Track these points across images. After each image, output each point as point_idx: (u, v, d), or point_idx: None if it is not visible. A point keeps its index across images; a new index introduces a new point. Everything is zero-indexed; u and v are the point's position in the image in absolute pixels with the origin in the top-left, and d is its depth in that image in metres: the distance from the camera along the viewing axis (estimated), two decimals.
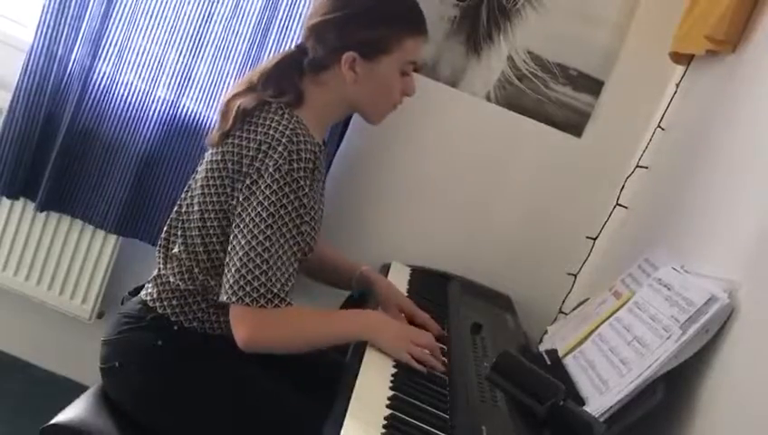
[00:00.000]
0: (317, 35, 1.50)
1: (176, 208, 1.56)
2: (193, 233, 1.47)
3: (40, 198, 2.16)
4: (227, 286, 1.37)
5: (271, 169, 1.37)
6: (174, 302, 1.48)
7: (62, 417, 1.41)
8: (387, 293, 1.73)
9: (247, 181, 1.39)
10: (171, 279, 1.48)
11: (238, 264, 1.35)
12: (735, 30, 1.67)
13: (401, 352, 1.38)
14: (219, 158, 1.44)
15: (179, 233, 1.51)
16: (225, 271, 1.38)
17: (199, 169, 1.53)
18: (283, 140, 1.39)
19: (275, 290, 1.36)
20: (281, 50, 2.13)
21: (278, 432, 1.43)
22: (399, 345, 1.40)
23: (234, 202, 1.41)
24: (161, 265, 1.52)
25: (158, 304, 1.48)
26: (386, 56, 1.49)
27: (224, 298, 1.38)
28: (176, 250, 1.50)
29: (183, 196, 1.55)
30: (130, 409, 1.47)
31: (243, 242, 1.36)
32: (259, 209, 1.36)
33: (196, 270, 1.47)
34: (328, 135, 2.11)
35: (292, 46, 1.63)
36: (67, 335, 2.37)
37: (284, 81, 1.49)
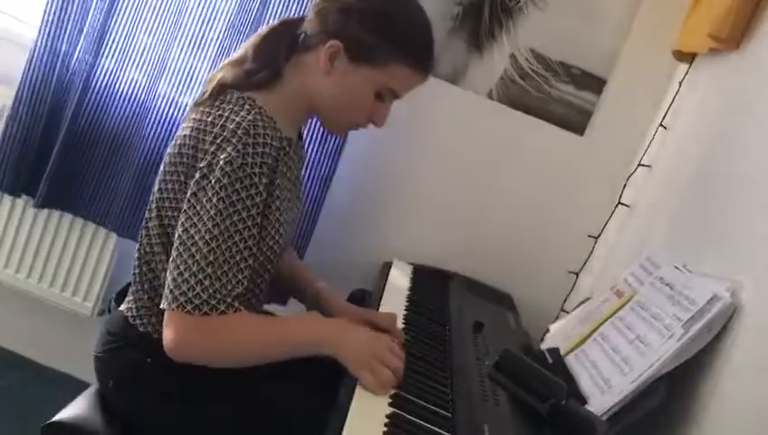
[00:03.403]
0: (320, 12, 1.40)
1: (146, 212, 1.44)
2: (152, 232, 1.38)
3: (39, 194, 2.16)
4: (168, 291, 1.24)
5: (222, 163, 1.25)
6: (153, 319, 1.39)
7: (64, 414, 1.40)
8: (341, 310, 1.57)
9: (197, 176, 1.27)
10: (145, 293, 1.40)
11: (181, 267, 1.23)
12: (738, 28, 1.66)
13: (363, 373, 1.23)
14: (177, 151, 1.35)
15: (144, 233, 1.41)
16: (167, 273, 1.26)
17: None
18: (239, 132, 1.27)
19: (219, 296, 1.24)
20: None
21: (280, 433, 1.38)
22: (362, 364, 1.24)
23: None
24: (136, 274, 1.42)
25: (138, 321, 1.40)
26: (369, 68, 1.38)
27: (163, 304, 1.25)
28: (143, 251, 1.40)
29: (151, 198, 1.42)
30: (133, 422, 1.43)
31: (188, 242, 1.24)
32: (208, 207, 1.24)
33: (162, 276, 1.35)
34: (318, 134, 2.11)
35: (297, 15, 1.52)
36: (69, 332, 2.37)
37: (273, 51, 1.40)
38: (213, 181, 1.25)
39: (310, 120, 1.88)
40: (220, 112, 1.33)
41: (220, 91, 1.37)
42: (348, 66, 1.38)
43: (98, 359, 1.45)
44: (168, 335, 1.25)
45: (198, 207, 1.26)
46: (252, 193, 1.27)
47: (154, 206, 1.38)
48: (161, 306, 1.27)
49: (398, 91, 1.44)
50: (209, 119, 1.33)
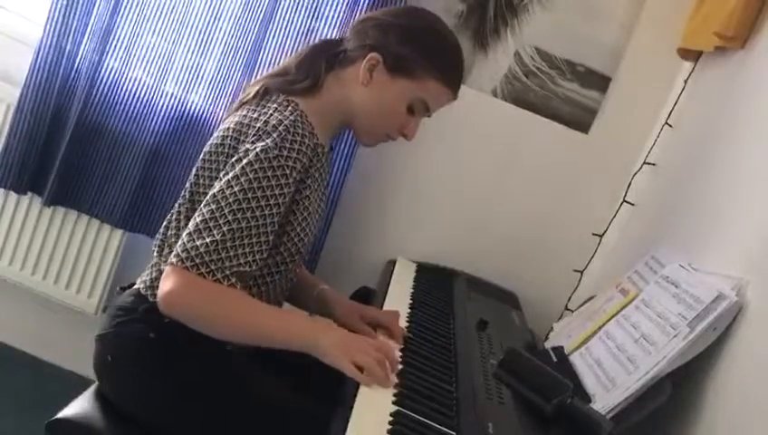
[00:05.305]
0: (360, 30, 1.50)
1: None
2: (181, 217, 1.43)
3: (47, 192, 2.16)
4: (176, 251, 1.29)
5: (258, 150, 1.33)
6: None
7: (67, 412, 1.40)
8: (345, 308, 1.62)
9: (233, 159, 1.35)
10: (162, 267, 1.39)
11: (193, 231, 1.29)
12: (744, 26, 1.66)
13: (342, 360, 1.24)
14: (219, 142, 1.42)
15: (173, 217, 1.46)
16: (182, 235, 1.31)
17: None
18: (280, 128, 1.36)
19: (220, 265, 1.27)
20: (286, 46, 2.13)
21: (280, 431, 1.37)
22: (342, 352, 1.25)
23: None
24: (156, 253, 1.47)
25: (149, 291, 1.42)
26: (405, 80, 1.47)
27: (172, 261, 1.29)
28: (169, 233, 1.46)
29: (186, 184, 1.50)
30: (126, 405, 1.41)
31: (206, 211, 1.30)
32: (234, 185, 1.31)
33: None
34: (335, 141, 2.10)
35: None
36: (73, 330, 2.38)
37: (314, 62, 1.49)
38: (245, 164, 1.32)
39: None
40: (265, 110, 1.41)
41: (265, 93, 1.46)
42: (386, 78, 1.47)
43: (100, 338, 1.44)
44: (162, 287, 1.28)
45: (225, 186, 1.32)
46: (281, 183, 1.33)
47: (188, 192, 1.44)
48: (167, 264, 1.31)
49: (430, 106, 1.52)
50: (254, 115, 1.41)
